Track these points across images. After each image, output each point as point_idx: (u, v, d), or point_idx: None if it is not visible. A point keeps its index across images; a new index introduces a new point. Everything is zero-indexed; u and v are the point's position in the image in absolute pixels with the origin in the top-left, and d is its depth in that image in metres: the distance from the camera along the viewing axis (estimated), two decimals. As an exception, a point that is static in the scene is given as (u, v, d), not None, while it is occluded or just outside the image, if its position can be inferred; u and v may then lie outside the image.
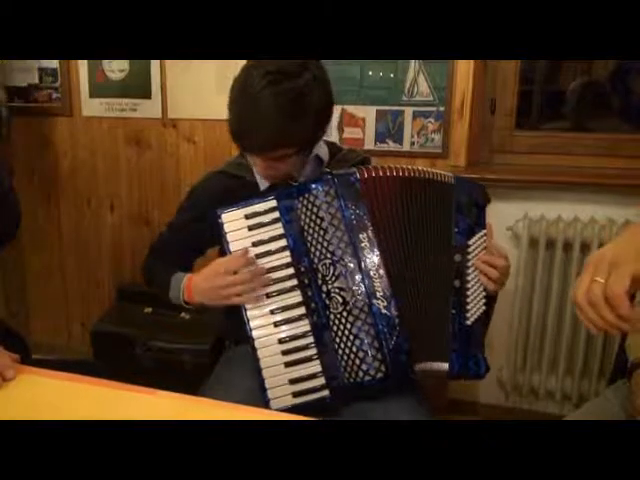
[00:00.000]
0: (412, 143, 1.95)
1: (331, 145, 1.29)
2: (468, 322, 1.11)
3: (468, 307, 1.11)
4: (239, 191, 1.19)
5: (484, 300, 1.13)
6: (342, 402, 1.11)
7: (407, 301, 1.08)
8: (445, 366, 1.10)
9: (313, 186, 1.10)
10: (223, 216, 1.10)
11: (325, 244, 1.08)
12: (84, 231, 2.45)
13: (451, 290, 1.11)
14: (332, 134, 2.02)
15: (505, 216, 1.92)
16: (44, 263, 2.54)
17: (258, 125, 1.05)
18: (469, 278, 1.12)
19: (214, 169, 1.29)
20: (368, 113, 1.98)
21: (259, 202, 1.10)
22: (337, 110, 2.00)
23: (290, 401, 1.08)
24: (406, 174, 1.11)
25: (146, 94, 2.21)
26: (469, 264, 1.12)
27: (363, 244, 1.08)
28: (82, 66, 2.27)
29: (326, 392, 1.08)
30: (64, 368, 0.78)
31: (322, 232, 1.09)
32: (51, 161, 2.42)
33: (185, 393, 0.77)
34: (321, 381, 1.08)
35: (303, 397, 1.08)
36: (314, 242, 1.09)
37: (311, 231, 1.09)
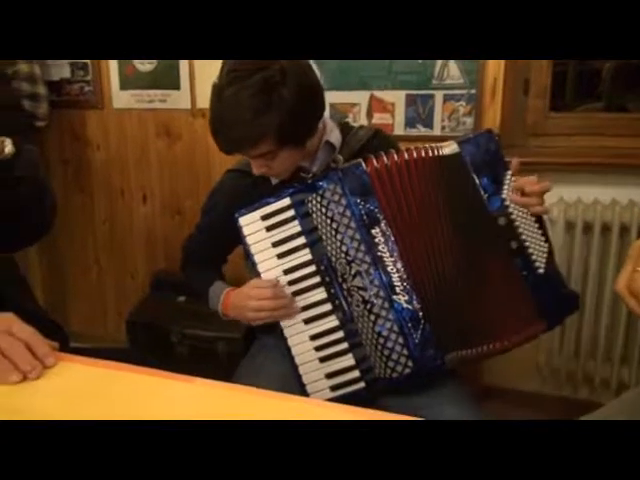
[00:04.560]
0: (443, 127, 1.92)
1: (343, 126, 1.26)
2: (541, 270, 1.06)
3: (533, 257, 1.06)
4: (253, 188, 1.19)
5: (541, 234, 1.07)
6: (380, 394, 1.10)
7: (438, 289, 1.06)
8: (542, 325, 1.08)
9: (319, 184, 1.07)
10: (240, 220, 1.10)
11: (338, 244, 1.07)
12: (118, 222, 2.49)
13: (511, 254, 1.06)
14: (361, 120, 2.00)
15: (540, 200, 1.88)
16: (80, 254, 2.59)
17: (228, 124, 1.04)
18: (520, 229, 1.06)
19: (231, 167, 1.30)
20: (398, 98, 1.95)
21: (274, 202, 1.09)
22: (365, 96, 1.98)
23: (329, 394, 1.09)
24: (414, 156, 1.06)
25: (175, 85, 2.23)
26: (514, 216, 1.06)
27: (377, 239, 1.06)
28: (112, 59, 2.29)
29: (362, 384, 1.09)
30: (101, 356, 0.79)
31: (334, 232, 1.07)
32: (84, 153, 2.45)
33: (220, 381, 0.78)
34: (356, 374, 1.09)
35: (341, 390, 1.09)
36: (329, 242, 1.08)
37: (324, 230, 1.08)
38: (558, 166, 1.86)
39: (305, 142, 1.13)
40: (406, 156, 1.06)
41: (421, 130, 1.95)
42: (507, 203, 1.06)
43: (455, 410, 1.07)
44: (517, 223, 1.06)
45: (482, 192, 1.06)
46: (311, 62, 1.13)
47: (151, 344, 2.07)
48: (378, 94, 1.97)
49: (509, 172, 1.06)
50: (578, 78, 2.13)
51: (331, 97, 2.01)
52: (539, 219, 1.08)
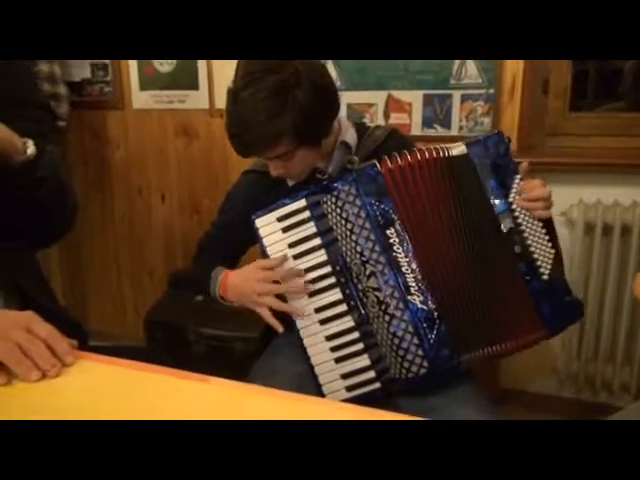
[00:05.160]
0: (460, 127, 1.91)
1: (359, 127, 1.26)
2: (545, 277, 1.06)
3: (538, 262, 1.05)
4: (270, 189, 1.20)
5: (547, 240, 1.06)
6: (396, 395, 1.11)
7: (451, 290, 1.05)
8: (543, 332, 1.07)
9: (334, 185, 1.07)
10: (257, 221, 1.10)
11: (353, 244, 1.07)
12: (137, 221, 2.51)
13: (514, 259, 1.05)
14: (378, 120, 2.00)
15: (559, 201, 1.82)
16: (99, 253, 2.62)
17: (244, 127, 1.05)
18: (526, 234, 1.05)
19: (247, 168, 1.31)
20: (415, 98, 1.95)
21: (289, 203, 1.09)
22: (383, 96, 1.98)
23: (344, 395, 1.09)
24: (426, 156, 1.06)
25: (193, 85, 2.25)
26: (520, 220, 1.05)
27: (392, 240, 1.05)
28: (132, 60, 2.32)
29: (377, 384, 1.09)
30: (119, 355, 0.80)
31: (349, 232, 1.07)
32: (104, 153, 2.49)
33: (236, 380, 0.78)
34: (371, 374, 1.09)
35: (356, 390, 1.10)
36: (344, 242, 1.08)
37: (339, 231, 1.08)
38: (577, 167, 1.84)
39: (321, 142, 1.14)
40: (419, 156, 1.06)
41: (438, 130, 1.94)
42: (514, 207, 1.06)
43: (470, 411, 1.07)
44: (523, 227, 1.06)
45: (489, 194, 1.06)
46: (328, 62, 1.14)
47: (168, 343, 2.09)
48: (395, 94, 1.97)
49: (518, 176, 1.06)
50: (599, 77, 2.10)
51: (348, 97, 2.01)
52: (547, 224, 1.07)
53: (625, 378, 1.87)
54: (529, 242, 1.06)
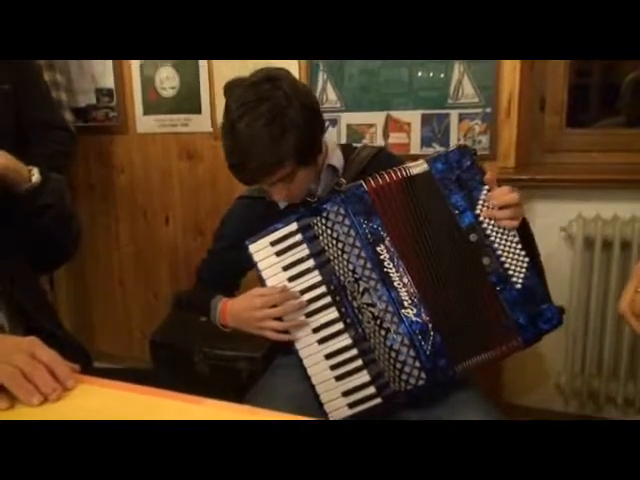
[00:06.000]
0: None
1: (345, 148, 1.29)
2: (518, 286, 1.06)
3: (510, 272, 1.06)
4: (262, 213, 1.24)
5: (520, 249, 1.06)
6: (400, 408, 1.12)
7: (439, 303, 1.07)
8: (517, 342, 1.07)
9: (323, 207, 1.10)
10: (251, 247, 1.13)
11: (345, 263, 1.09)
12: (141, 243, 2.54)
13: (483, 271, 1.06)
14: (377, 140, 2.03)
15: (558, 216, 1.87)
16: (104, 275, 2.65)
17: (246, 155, 1.08)
18: (495, 245, 1.06)
19: (241, 194, 1.35)
20: (413, 118, 1.98)
21: (281, 227, 1.12)
22: (382, 116, 2.01)
23: (347, 412, 1.11)
24: (391, 177, 1.08)
25: (196, 109, 2.29)
26: (488, 231, 1.06)
27: (382, 256, 1.08)
28: (136, 85, 2.37)
29: (379, 400, 1.11)
30: (123, 377, 0.82)
31: (340, 252, 1.09)
32: (109, 176, 2.53)
33: (241, 400, 0.80)
34: (372, 390, 1.11)
35: (358, 407, 1.11)
36: (336, 262, 1.10)
37: (331, 251, 1.10)
38: (576, 183, 1.86)
39: (317, 159, 1.18)
40: (387, 177, 1.08)
41: (437, 149, 1.96)
42: (481, 219, 1.06)
43: (477, 416, 1.08)
44: (492, 238, 1.06)
45: (452, 209, 1.07)
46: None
47: (174, 364, 2.10)
48: (394, 114, 2.00)
49: (485, 187, 1.06)
50: (597, 93, 2.12)
51: (348, 118, 2.05)
52: (523, 233, 1.08)
53: (629, 393, 1.87)
54: (499, 252, 1.06)
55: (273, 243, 1.13)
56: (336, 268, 1.10)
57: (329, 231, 1.10)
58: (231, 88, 1.13)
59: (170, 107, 2.34)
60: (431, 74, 1.93)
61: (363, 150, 1.29)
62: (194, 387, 0.81)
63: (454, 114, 1.92)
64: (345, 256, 1.09)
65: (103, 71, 2.41)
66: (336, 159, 1.24)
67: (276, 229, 1.12)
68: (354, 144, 1.35)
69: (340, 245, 1.09)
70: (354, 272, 1.09)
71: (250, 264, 1.15)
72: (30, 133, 1.83)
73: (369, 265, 1.08)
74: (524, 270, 1.06)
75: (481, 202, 1.06)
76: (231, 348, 2.00)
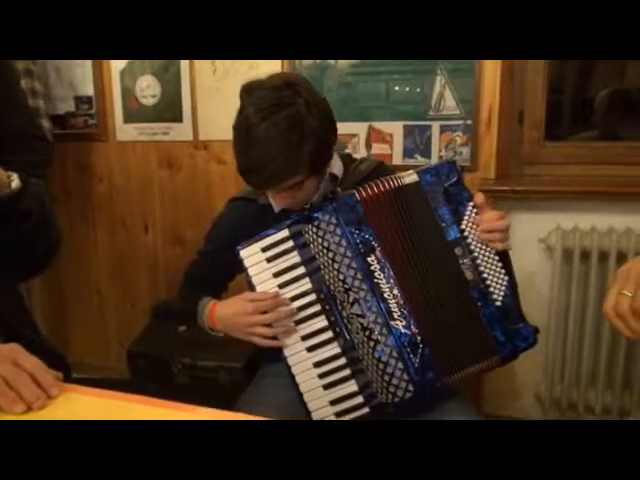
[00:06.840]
0: (440, 157, 1.95)
1: (345, 158, 1.29)
2: (498, 303, 1.07)
3: (491, 289, 1.07)
4: (256, 216, 1.23)
5: (501, 267, 1.08)
6: (389, 418, 1.11)
7: (428, 315, 1.08)
8: (495, 358, 1.08)
9: (315, 215, 1.10)
10: (242, 252, 1.12)
11: (336, 272, 1.09)
12: (120, 252, 2.51)
13: (466, 285, 1.07)
14: (360, 150, 2.04)
15: (537, 228, 1.90)
16: (82, 284, 2.60)
17: (263, 160, 1.06)
18: (479, 261, 1.08)
19: (234, 195, 1.33)
20: (396, 129, 1.99)
21: (273, 233, 1.11)
22: (365, 127, 2.02)
23: None
24: (383, 186, 1.08)
25: (177, 118, 2.27)
26: (472, 247, 1.08)
27: (373, 267, 1.08)
28: (116, 93, 2.34)
29: (366, 409, 1.10)
30: (102, 387, 0.80)
31: (331, 261, 1.09)
32: (87, 184, 2.49)
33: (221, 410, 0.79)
34: (359, 399, 1.10)
35: (345, 416, 1.11)
36: (327, 270, 1.10)
37: (322, 260, 1.10)
38: (554, 194, 1.89)
39: (326, 170, 1.17)
40: (380, 186, 1.08)
41: (419, 160, 1.98)
42: (466, 234, 1.08)
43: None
44: (476, 254, 1.08)
45: (440, 221, 1.08)
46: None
47: (152, 374, 2.07)
48: (377, 125, 2.01)
49: (470, 204, 1.08)
50: (572, 108, 2.17)
51: (330, 128, 2.05)
52: (503, 253, 1.10)
53: (607, 401, 1.89)
54: (482, 269, 1.08)
55: (264, 249, 1.12)
56: (326, 277, 1.10)
57: (320, 239, 1.09)
58: (249, 91, 1.11)
59: (151, 115, 2.31)
60: (407, 88, 1.95)
61: (362, 163, 1.29)
62: (174, 398, 0.79)
63: (435, 126, 1.94)
64: (336, 265, 1.09)
65: (82, 78, 2.39)
66: (337, 168, 1.24)
67: (267, 235, 1.12)
68: (353, 155, 1.36)
69: (331, 255, 1.09)
70: (344, 282, 1.09)
71: (240, 269, 1.14)
72: (6, 141, 1.80)
73: (359, 276, 1.08)
74: (504, 288, 1.08)
75: (466, 218, 1.08)
76: (211, 358, 1.98)
